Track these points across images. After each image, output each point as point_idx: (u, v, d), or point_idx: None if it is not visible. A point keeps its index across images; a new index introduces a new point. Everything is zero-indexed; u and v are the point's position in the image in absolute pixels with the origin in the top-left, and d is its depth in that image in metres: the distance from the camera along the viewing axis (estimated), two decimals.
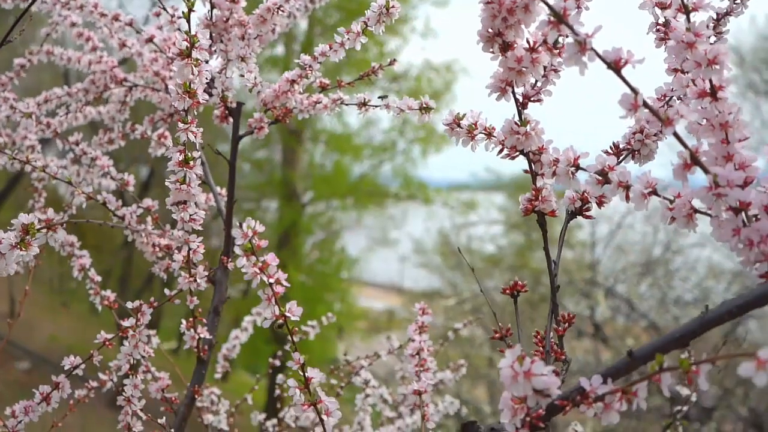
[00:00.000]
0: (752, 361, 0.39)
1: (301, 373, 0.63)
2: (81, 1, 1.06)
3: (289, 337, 0.63)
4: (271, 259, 0.61)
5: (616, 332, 6.57)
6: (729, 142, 0.52)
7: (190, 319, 0.94)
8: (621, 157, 0.66)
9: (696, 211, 0.53)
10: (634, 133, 0.66)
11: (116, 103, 1.17)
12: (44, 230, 0.65)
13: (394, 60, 0.96)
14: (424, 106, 0.81)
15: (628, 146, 0.66)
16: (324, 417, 0.63)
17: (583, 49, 0.48)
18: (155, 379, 0.98)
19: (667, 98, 0.67)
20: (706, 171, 0.50)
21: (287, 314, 0.61)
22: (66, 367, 0.89)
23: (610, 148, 0.66)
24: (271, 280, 0.60)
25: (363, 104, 0.92)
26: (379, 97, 0.86)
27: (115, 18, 1.08)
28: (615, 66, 0.49)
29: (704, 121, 0.55)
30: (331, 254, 11.01)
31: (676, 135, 0.50)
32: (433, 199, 10.83)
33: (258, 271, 0.60)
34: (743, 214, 0.50)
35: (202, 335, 0.95)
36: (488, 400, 6.65)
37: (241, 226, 0.59)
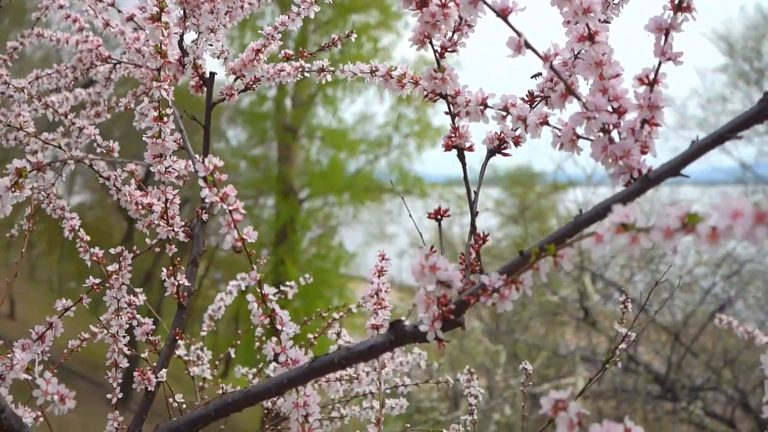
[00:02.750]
0: (593, 237, 0.49)
1: (259, 290, 0.73)
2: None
3: (249, 260, 0.74)
4: (230, 190, 0.71)
5: (606, 318, 6.71)
6: (604, 77, 0.62)
7: (170, 267, 1.04)
8: (535, 103, 0.76)
9: (578, 136, 0.63)
10: (545, 82, 0.76)
11: (102, 80, 1.27)
12: (34, 172, 0.76)
13: (352, 32, 1.06)
14: (374, 69, 0.91)
15: (542, 93, 0.76)
16: (279, 327, 0.73)
17: (474, 1, 0.59)
18: (140, 324, 1.08)
19: (575, 51, 0.77)
20: (579, 99, 0.60)
21: (245, 237, 0.72)
22: (58, 309, 0.99)
23: (526, 95, 0.77)
24: (231, 208, 0.71)
25: (321, 70, 1.02)
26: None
27: None
28: (502, 14, 0.59)
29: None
30: (329, 250, 11.10)
31: (552, 68, 0.60)
32: (429, 194, 10.92)
33: (219, 200, 0.70)
34: (612, 134, 0.60)
35: (181, 282, 1.05)
36: (486, 386, 6.77)
37: (203, 161, 0.69)
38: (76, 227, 1.19)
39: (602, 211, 0.58)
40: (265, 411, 1.48)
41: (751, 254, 7.48)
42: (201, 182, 0.70)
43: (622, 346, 1.14)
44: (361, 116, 11.76)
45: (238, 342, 1.53)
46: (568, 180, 8.87)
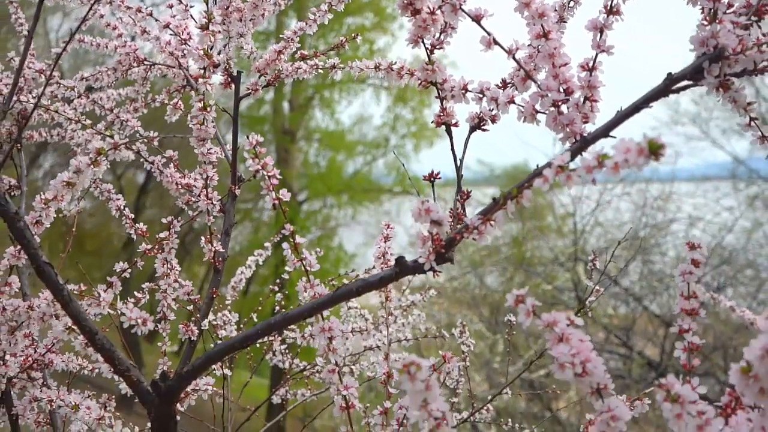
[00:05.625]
0: (541, 178, 0.69)
1: (292, 240, 0.93)
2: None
3: (284, 216, 0.93)
4: (269, 160, 0.91)
5: (600, 306, 6.91)
6: (555, 66, 0.81)
7: (208, 236, 1.23)
8: (507, 87, 0.95)
9: (536, 111, 0.82)
10: (514, 71, 0.95)
11: (139, 79, 1.46)
12: (112, 150, 0.95)
13: (357, 35, 1.26)
14: (377, 65, 1.11)
15: (512, 80, 0.96)
16: (308, 268, 0.93)
17: (455, 10, 0.78)
18: (182, 286, 1.27)
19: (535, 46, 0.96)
20: (535, 81, 0.79)
21: (281, 197, 0.91)
22: (117, 270, 1.18)
23: (500, 81, 0.96)
24: (270, 174, 0.90)
25: (333, 67, 1.22)
26: None
27: (138, 10, 1.37)
28: (476, 19, 0.79)
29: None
30: (328, 251, 11.28)
31: (515, 59, 0.80)
32: (427, 194, 11.09)
33: (261, 168, 0.90)
34: (562, 108, 0.80)
35: (217, 248, 1.24)
36: (485, 379, 6.97)
37: (247, 137, 0.89)
38: (122, 207, 1.39)
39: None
40: (286, 372, 1.67)
41: (741, 244, 7.70)
42: (246, 154, 0.89)
43: (591, 299, 1.33)
44: (358, 118, 11.97)
45: (259, 308, 1.73)
46: None
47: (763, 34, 0.73)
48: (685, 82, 0.73)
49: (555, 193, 9.60)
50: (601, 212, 7.28)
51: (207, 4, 1.00)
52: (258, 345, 1.63)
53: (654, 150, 0.56)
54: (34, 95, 1.54)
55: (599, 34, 0.80)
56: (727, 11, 0.74)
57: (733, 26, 0.72)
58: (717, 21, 0.71)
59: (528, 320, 0.69)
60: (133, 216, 1.38)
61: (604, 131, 0.75)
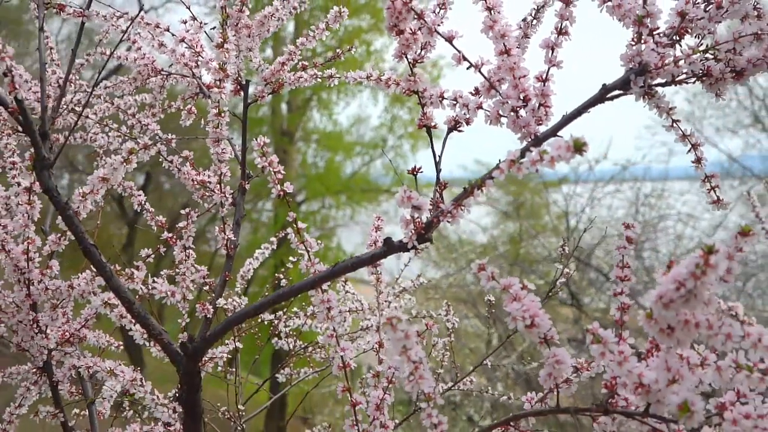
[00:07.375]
0: (498, 169, 0.85)
1: (295, 225, 1.09)
2: (131, 14, 1.52)
3: (288, 206, 1.09)
4: (275, 158, 1.07)
5: (593, 301, 7.09)
6: (515, 77, 0.98)
7: (222, 226, 1.40)
8: (478, 95, 1.12)
9: (500, 115, 0.99)
10: (483, 82, 1.12)
11: (157, 88, 1.63)
12: (142, 150, 1.11)
13: (352, 47, 1.43)
14: (369, 75, 1.27)
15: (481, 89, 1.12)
16: (309, 249, 1.09)
17: (431, 32, 0.95)
18: (197, 270, 1.44)
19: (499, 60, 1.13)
20: (497, 91, 0.96)
21: (285, 189, 1.07)
22: (143, 255, 1.34)
23: (474, 89, 1.12)
24: (275, 170, 1.06)
25: (330, 77, 1.38)
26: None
27: (157, 25, 1.53)
28: (449, 39, 0.95)
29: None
30: (327, 251, 11.43)
31: (480, 72, 0.96)
32: (424, 194, 11.27)
33: (267, 165, 1.06)
34: (521, 113, 0.97)
35: (229, 237, 1.41)
36: (481, 374, 7.14)
37: (255, 139, 1.05)
38: (143, 202, 1.55)
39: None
40: (292, 354, 1.83)
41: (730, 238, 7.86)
42: (254, 153, 1.06)
43: (562, 280, 1.50)
44: (355, 119, 12.14)
45: (266, 294, 1.89)
46: (559, 177, 9.18)
47: (681, 51, 0.90)
48: (616, 92, 0.90)
49: (550, 192, 9.76)
50: (593, 209, 7.45)
51: (222, 26, 1.16)
52: (266, 323, 1.80)
53: (578, 147, 0.73)
54: (64, 102, 1.71)
55: (551, 51, 0.97)
56: (654, 32, 0.90)
57: (655, 45, 0.88)
58: (642, 41, 0.88)
59: (489, 284, 0.85)
60: (153, 210, 1.55)
61: (553, 131, 0.92)
